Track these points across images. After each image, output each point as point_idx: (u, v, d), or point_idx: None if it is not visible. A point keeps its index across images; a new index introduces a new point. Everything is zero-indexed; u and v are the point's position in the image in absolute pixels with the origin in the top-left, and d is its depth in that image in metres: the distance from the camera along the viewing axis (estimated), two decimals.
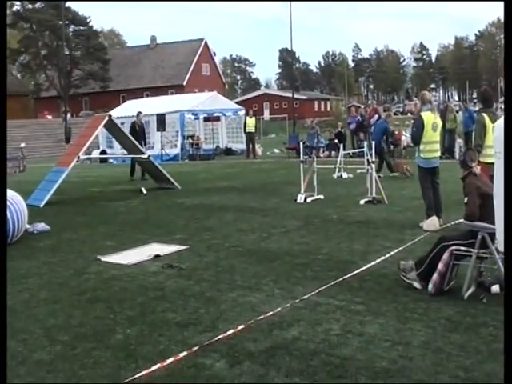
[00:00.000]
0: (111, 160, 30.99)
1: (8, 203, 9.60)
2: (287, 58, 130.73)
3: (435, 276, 5.88)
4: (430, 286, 5.92)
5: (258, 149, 30.10)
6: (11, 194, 10.26)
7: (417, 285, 6.14)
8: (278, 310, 5.61)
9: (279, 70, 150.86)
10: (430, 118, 9.37)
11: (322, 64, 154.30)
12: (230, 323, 5.31)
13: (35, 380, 4.41)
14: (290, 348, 4.73)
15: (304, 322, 5.30)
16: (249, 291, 6.26)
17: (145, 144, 19.65)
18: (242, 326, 5.19)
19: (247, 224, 10.29)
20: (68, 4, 67.43)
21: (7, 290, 6.82)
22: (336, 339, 4.87)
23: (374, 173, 12.16)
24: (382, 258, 7.44)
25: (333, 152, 25.42)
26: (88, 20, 70.37)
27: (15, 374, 4.50)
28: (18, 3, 68.51)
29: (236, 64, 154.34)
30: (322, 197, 12.91)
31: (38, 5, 68.55)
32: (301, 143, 15.92)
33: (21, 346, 5.07)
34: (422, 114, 9.44)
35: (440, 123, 9.70)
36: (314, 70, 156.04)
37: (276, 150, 32.27)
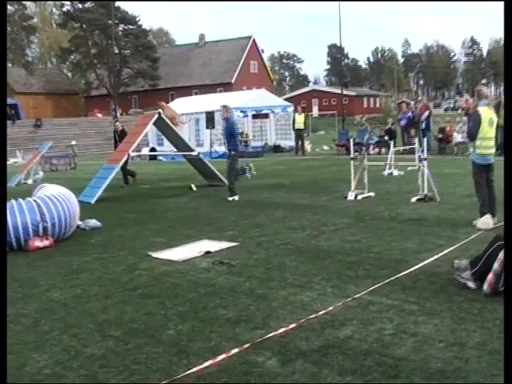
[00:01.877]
0: (160, 157, 31.26)
1: (60, 199, 9.78)
2: (336, 53, 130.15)
3: (490, 276, 5.74)
4: (485, 286, 5.78)
5: (307, 146, 29.99)
6: (63, 191, 10.45)
7: (471, 284, 6.01)
8: (330, 308, 5.55)
9: (328, 66, 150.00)
10: (487, 114, 9.16)
11: (371, 60, 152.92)
12: (281, 321, 5.27)
13: (88, 374, 4.45)
14: (343, 347, 4.67)
15: (356, 321, 5.24)
16: (300, 289, 6.21)
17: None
18: (293, 325, 5.15)
19: (297, 221, 10.24)
20: (117, 3, 68.33)
21: (60, 284, 6.99)
22: (389, 339, 4.79)
23: (426, 170, 11.97)
24: (435, 256, 7.30)
25: (383, 149, 25.15)
26: (137, 19, 71.26)
27: (68, 368, 4.56)
28: (69, 3, 69.73)
29: (284, 60, 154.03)
30: (372, 194, 12.77)
31: (88, 4, 69.60)
32: (351, 140, 15.79)
33: (73, 340, 5.14)
34: (479, 108, 9.24)
35: (496, 119, 9.48)
36: (363, 65, 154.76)
37: (325, 147, 32.10)
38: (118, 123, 20.45)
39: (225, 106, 14.36)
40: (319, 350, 4.63)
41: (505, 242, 4.21)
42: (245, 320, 5.36)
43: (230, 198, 13.39)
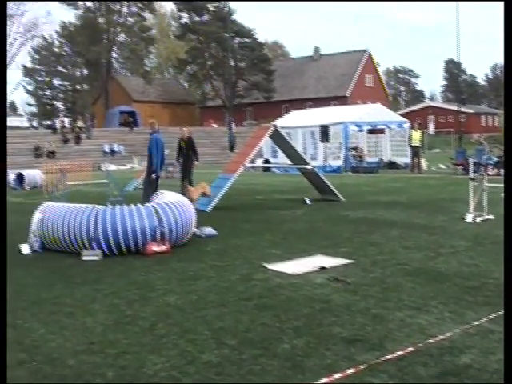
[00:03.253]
0: (274, 169, 31.51)
1: (178, 206, 10.02)
2: (453, 69, 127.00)
3: None
4: None
5: (423, 163, 29.43)
6: (180, 198, 10.70)
7: None
8: (449, 334, 5.37)
9: (444, 82, 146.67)
10: None
11: (490, 76, 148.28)
12: (398, 344, 5.15)
13: (204, 380, 4.51)
14: (462, 376, 4.50)
15: (476, 349, 5.03)
16: (417, 312, 6.05)
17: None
18: (410, 348, 5.02)
19: (413, 241, 10.03)
20: (234, 17, 69.56)
21: (176, 289, 7.14)
22: None
23: None
24: None
25: (501, 170, 24.30)
26: (253, 32, 72.26)
27: (184, 373, 4.64)
28: (186, 16, 71.64)
29: (400, 75, 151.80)
30: (491, 217, 12.33)
31: (205, 17, 71.24)
32: (470, 159, 15.34)
33: (189, 345, 5.22)
34: None
35: None
36: (481, 82, 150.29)
37: (441, 166, 31.39)
38: (185, 129, 19.10)
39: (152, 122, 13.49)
40: (437, 377, 4.48)
41: (505, 241, 4.01)
42: (360, 340, 5.27)
43: None
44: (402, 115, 45.90)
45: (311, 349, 5.08)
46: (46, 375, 4.71)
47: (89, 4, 67.80)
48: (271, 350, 5.06)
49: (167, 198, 10.85)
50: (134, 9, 69.18)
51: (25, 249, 9.98)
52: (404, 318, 5.86)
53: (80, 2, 67.53)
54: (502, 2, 5.30)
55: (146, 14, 73.21)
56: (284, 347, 5.14)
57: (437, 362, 4.77)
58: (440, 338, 5.29)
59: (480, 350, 5.01)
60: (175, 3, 72.51)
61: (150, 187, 13.72)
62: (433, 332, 5.44)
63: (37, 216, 10.23)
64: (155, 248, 9.40)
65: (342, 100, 66.16)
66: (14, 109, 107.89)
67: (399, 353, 4.93)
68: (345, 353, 4.98)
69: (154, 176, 12.54)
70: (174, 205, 10.04)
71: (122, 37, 71.12)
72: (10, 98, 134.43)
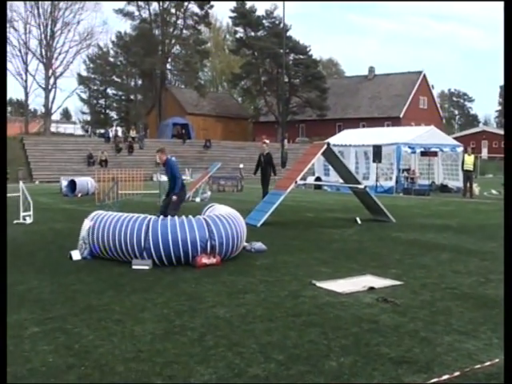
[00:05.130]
0: (325, 187, 31.48)
1: (229, 220, 10.12)
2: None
3: None
4: None
5: (476, 188, 29.03)
6: (232, 212, 10.80)
7: None
8: (496, 360, 5.31)
9: (499, 107, 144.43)
10: None
11: None
12: (445, 367, 5.12)
13: None
14: None
15: None
16: (465, 337, 6.01)
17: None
18: (457, 373, 4.99)
19: (463, 266, 9.92)
20: (289, 33, 69.84)
21: (225, 302, 7.23)
22: None
23: None
24: None
25: None
26: (308, 49, 72.55)
27: None
28: (242, 30, 72.29)
29: (454, 98, 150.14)
30: None
31: (260, 33, 71.74)
32: None
33: (237, 358, 5.28)
34: None
35: None
36: None
37: (494, 191, 30.89)
38: (265, 145, 20.64)
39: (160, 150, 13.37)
40: None
41: (505, 241, 3.96)
42: (408, 361, 5.26)
43: None
44: (456, 139, 45.41)
45: (358, 368, 5.09)
46: (94, 380, 4.82)
47: (145, 15, 69.04)
48: (318, 367, 5.09)
49: (219, 210, 10.97)
50: (190, 21, 70.08)
51: (75, 255, 10.21)
52: (452, 343, 5.82)
53: (136, 13, 68.80)
54: None
55: (202, 28, 74.17)
56: (331, 365, 5.16)
57: None
58: (487, 364, 5.24)
59: None
60: (231, 17, 73.33)
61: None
62: (481, 358, 5.40)
63: (87, 224, 10.41)
64: (205, 260, 9.50)
65: (395, 121, 65.95)
66: (68, 116, 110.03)
67: (446, 376, 4.91)
68: (392, 373, 4.98)
69: (174, 198, 12.49)
70: (224, 218, 10.13)
71: (177, 49, 72.03)
72: (64, 105, 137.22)
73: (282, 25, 62.36)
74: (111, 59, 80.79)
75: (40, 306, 6.99)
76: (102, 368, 5.05)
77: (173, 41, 69.78)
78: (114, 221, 10.01)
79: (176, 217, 10.01)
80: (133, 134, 55.29)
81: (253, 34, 72.11)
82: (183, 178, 13.16)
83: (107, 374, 4.94)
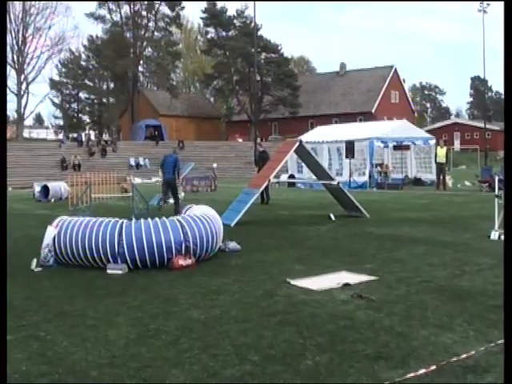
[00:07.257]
0: (299, 184, 31.50)
1: (204, 221, 10.04)
2: (479, 86, 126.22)
3: None
4: None
5: (449, 180, 29.26)
6: (210, 212, 10.71)
7: None
8: (472, 352, 5.32)
9: (470, 99, 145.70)
10: None
11: None
12: (421, 362, 5.11)
13: None
14: None
15: (500, 368, 4.94)
16: (441, 330, 6.00)
17: None
18: (434, 367, 4.97)
19: (438, 258, 9.95)
20: (260, 32, 69.93)
21: (200, 304, 7.16)
22: None
23: None
24: None
25: None
26: (279, 47, 72.73)
27: None
28: (213, 31, 72.35)
29: (426, 91, 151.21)
30: None
31: (231, 33, 71.84)
32: (495, 177, 15.23)
33: (212, 360, 5.21)
34: None
35: None
36: None
37: (467, 183, 31.16)
38: (259, 145, 21.97)
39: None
40: None
41: (505, 241, 3.98)
42: (384, 357, 5.23)
43: None
44: (428, 132, 45.70)
45: (334, 366, 5.06)
46: None
47: (116, 18, 68.78)
48: (294, 367, 5.04)
49: (196, 211, 10.85)
50: (161, 23, 69.97)
51: (34, 265, 9.75)
52: (428, 336, 5.82)
53: (108, 16, 68.58)
54: None
55: (173, 29, 74.04)
56: (307, 364, 5.12)
57: (460, 381, 4.73)
58: (464, 356, 5.24)
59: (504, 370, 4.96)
60: (202, 18, 73.23)
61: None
62: (457, 350, 5.39)
63: (51, 231, 9.98)
64: (182, 262, 9.39)
65: (367, 116, 66.21)
66: (41, 121, 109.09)
67: (423, 371, 4.89)
68: (368, 370, 4.95)
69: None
70: (199, 219, 10.02)
71: (148, 51, 72.12)
72: (36, 110, 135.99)
73: (252, 24, 62.25)
74: (83, 63, 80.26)
75: (13, 313, 6.84)
76: (75, 374, 4.98)
77: (144, 43, 69.74)
78: (83, 226, 9.70)
79: (149, 219, 9.88)
80: (106, 137, 55.04)
81: (224, 34, 72.10)
82: (157, 179, 13.28)
83: (81, 379, 4.87)
